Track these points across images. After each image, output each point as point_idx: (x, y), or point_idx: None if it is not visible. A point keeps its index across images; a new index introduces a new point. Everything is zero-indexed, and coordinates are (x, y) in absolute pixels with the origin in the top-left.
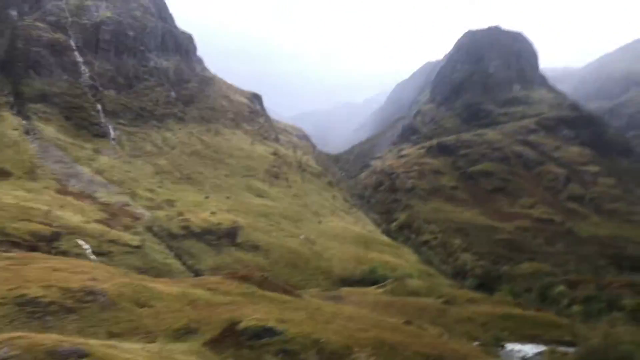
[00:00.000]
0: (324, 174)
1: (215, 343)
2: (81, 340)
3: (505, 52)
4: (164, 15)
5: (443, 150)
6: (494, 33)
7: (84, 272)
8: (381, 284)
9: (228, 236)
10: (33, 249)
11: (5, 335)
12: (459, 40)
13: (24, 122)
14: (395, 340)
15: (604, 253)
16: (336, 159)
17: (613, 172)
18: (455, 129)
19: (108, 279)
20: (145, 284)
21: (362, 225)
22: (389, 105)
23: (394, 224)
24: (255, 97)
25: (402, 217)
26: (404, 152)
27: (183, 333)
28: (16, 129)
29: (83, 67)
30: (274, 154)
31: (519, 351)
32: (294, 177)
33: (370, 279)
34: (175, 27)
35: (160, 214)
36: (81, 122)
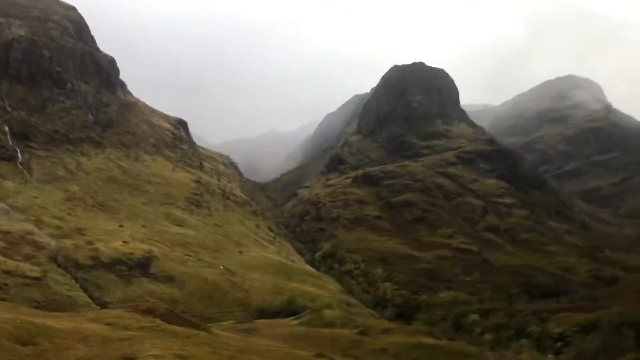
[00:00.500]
0: (248, 202)
1: None
2: None
3: (428, 88)
4: (85, 37)
5: (368, 180)
6: (418, 69)
7: None
8: (297, 316)
9: (140, 267)
10: None
11: None
12: (385, 75)
13: None
14: None
15: (517, 282)
16: (264, 187)
17: (526, 204)
18: (381, 160)
19: None
20: (32, 319)
21: (286, 254)
22: (318, 136)
23: (318, 253)
24: (180, 123)
25: (326, 246)
26: (330, 182)
27: None
28: None
29: None
30: (197, 181)
31: None
32: (217, 205)
33: (289, 310)
34: (97, 49)
35: (68, 243)
36: None
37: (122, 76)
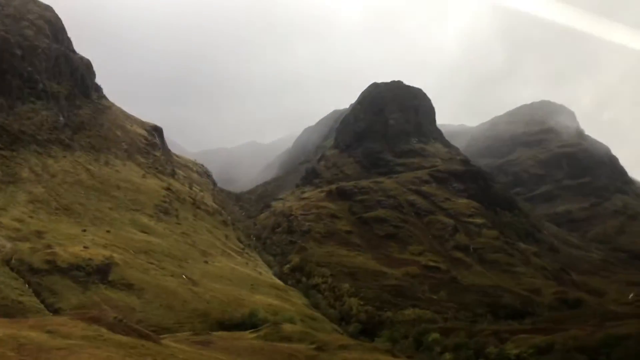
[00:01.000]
0: (219, 212)
1: None
2: None
3: (406, 106)
4: (61, 38)
5: (342, 195)
6: (396, 87)
7: None
8: (256, 329)
9: (99, 273)
10: None
11: None
12: (364, 91)
13: None
14: None
15: (483, 301)
16: (238, 198)
17: (497, 224)
18: (356, 175)
19: None
20: None
21: (253, 266)
22: (295, 148)
23: (287, 266)
24: (155, 130)
25: (295, 259)
26: (305, 195)
27: None
28: None
29: None
30: (167, 188)
31: None
32: (186, 214)
33: (249, 323)
34: (73, 51)
35: (24, 246)
36: None
37: (100, 81)
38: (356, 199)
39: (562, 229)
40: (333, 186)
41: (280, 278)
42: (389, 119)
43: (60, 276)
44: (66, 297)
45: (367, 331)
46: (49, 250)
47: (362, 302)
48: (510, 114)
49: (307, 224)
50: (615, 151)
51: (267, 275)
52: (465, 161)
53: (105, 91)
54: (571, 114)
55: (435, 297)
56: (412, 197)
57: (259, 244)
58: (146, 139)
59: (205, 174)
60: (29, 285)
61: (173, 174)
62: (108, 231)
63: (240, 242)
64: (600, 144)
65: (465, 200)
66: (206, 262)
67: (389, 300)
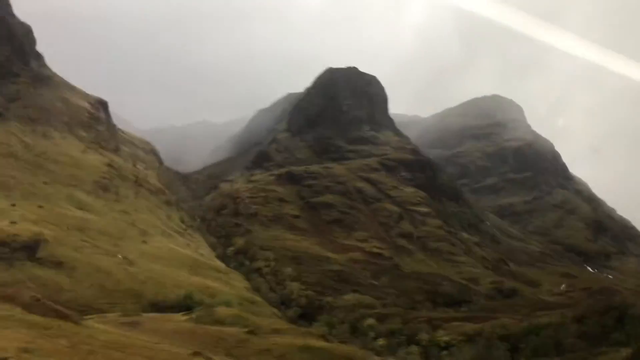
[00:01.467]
0: (163, 191)
1: None
2: None
3: (359, 93)
4: None
5: (291, 179)
6: (351, 74)
7: None
8: (188, 311)
9: (26, 250)
10: None
11: None
12: (318, 76)
13: None
14: None
15: (423, 289)
16: (186, 178)
17: (441, 214)
18: (307, 160)
19: None
20: None
21: (195, 248)
22: (248, 130)
23: (231, 248)
24: (100, 103)
25: (239, 242)
26: (254, 178)
27: None
28: None
29: None
30: (108, 165)
31: None
32: (127, 191)
33: (184, 305)
34: (12, 15)
35: None
36: None
37: (43, 50)
38: (305, 184)
39: (505, 221)
40: (283, 170)
41: (222, 260)
42: (342, 104)
43: None
44: None
45: (307, 315)
46: None
47: (303, 287)
48: (462, 106)
49: (254, 207)
50: (558, 147)
51: (209, 257)
52: (415, 151)
53: (51, 61)
54: (519, 109)
55: (376, 283)
56: (361, 184)
57: (204, 226)
58: (90, 112)
59: (152, 151)
60: None
61: (116, 150)
62: (40, 206)
63: (184, 222)
64: (545, 140)
65: (412, 189)
66: (145, 241)
67: (331, 285)
